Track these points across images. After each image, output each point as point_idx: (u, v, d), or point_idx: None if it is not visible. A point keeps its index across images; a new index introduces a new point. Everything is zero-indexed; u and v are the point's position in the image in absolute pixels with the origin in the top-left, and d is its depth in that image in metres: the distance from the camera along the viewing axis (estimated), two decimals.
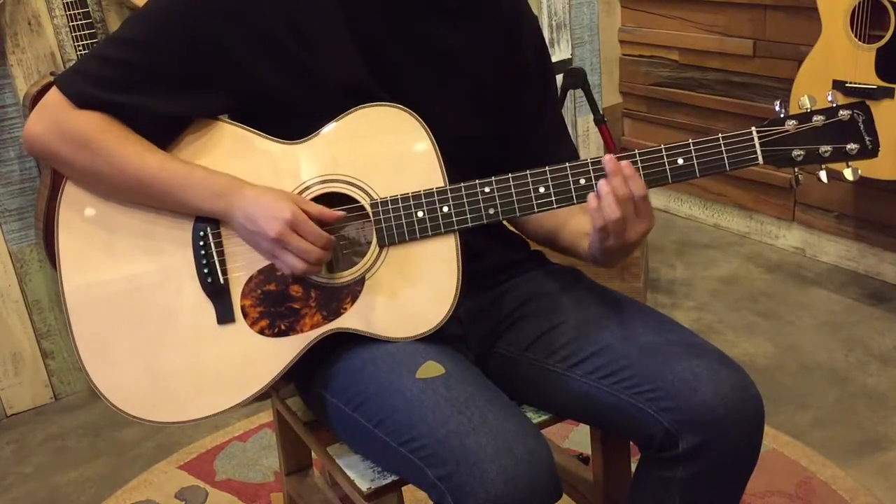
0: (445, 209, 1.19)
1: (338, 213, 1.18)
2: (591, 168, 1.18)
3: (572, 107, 3.28)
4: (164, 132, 1.21)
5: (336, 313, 1.20)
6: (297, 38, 1.20)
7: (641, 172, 1.16)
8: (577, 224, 1.30)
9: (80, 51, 2.18)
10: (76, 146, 1.19)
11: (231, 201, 1.17)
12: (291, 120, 1.21)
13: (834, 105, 1.17)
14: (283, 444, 1.63)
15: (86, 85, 1.19)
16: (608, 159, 1.14)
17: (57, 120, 1.20)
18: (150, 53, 1.19)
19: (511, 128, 1.36)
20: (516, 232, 1.44)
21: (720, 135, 1.17)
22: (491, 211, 1.19)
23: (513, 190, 1.18)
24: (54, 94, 1.21)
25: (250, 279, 1.21)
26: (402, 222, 1.19)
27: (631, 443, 1.36)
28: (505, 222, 1.32)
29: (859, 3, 2.22)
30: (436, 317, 1.19)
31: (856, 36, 2.25)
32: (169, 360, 1.21)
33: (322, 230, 1.16)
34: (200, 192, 1.18)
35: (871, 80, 2.25)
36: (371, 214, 1.19)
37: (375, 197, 1.19)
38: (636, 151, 1.17)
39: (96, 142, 1.18)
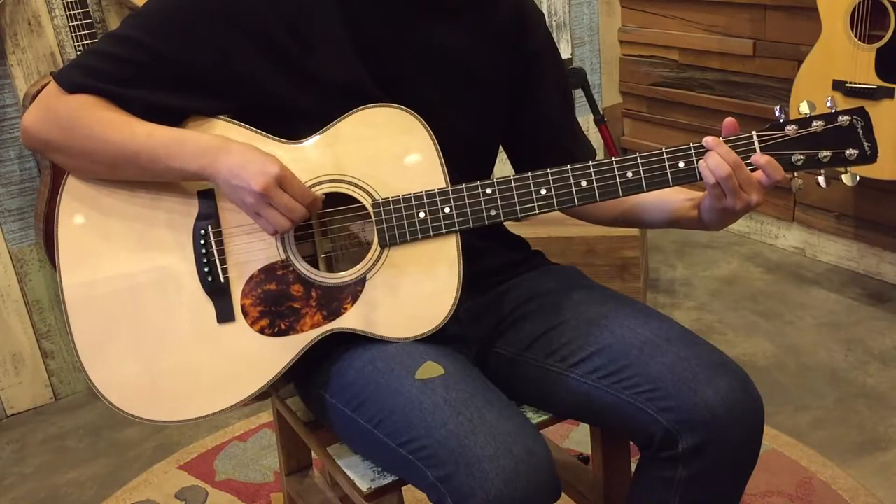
0: (447, 210, 1.19)
1: (318, 194, 1.18)
2: (592, 171, 1.18)
3: None
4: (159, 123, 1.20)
5: (336, 313, 1.20)
6: (297, 40, 1.20)
7: (643, 176, 1.17)
8: (666, 195, 1.29)
9: (79, 51, 2.18)
10: (66, 128, 1.19)
11: (216, 157, 1.16)
12: (291, 121, 1.21)
13: (833, 111, 1.17)
14: (283, 444, 1.63)
15: (80, 75, 1.19)
16: (711, 140, 1.16)
17: (49, 107, 1.20)
18: (149, 54, 1.18)
19: (535, 127, 1.37)
20: (515, 232, 1.45)
21: (721, 138, 1.17)
22: (493, 212, 1.19)
23: (514, 192, 1.18)
24: (50, 86, 1.21)
25: (251, 278, 1.21)
26: (404, 223, 1.19)
27: (631, 443, 1.36)
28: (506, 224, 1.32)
29: (859, 3, 2.22)
30: (436, 317, 1.19)
31: (856, 36, 2.25)
32: (168, 359, 1.21)
33: (308, 188, 1.16)
34: (186, 152, 1.17)
35: (871, 80, 2.25)
36: (373, 215, 1.19)
37: (377, 197, 1.19)
38: (637, 154, 1.18)
39: (85, 118, 1.18)
